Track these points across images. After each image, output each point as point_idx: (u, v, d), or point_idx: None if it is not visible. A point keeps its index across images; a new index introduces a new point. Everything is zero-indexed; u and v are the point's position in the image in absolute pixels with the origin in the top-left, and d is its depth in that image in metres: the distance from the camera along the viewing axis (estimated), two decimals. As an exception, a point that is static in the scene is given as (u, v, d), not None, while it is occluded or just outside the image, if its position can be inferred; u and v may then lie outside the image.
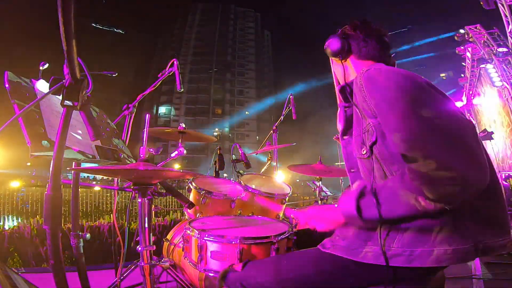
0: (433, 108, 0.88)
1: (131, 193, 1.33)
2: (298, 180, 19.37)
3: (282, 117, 3.26)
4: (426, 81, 0.97)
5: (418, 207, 0.85)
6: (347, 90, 1.12)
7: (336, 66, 1.28)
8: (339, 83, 1.26)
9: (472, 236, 0.88)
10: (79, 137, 1.48)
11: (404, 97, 0.90)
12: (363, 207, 0.92)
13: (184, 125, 2.33)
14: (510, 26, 10.81)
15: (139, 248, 1.28)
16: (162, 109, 52.48)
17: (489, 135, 9.84)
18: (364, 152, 1.02)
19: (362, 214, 0.92)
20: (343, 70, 1.23)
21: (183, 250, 1.55)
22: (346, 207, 0.97)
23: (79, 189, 1.64)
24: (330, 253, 0.99)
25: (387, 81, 0.95)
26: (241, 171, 2.50)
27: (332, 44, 1.20)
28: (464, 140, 0.84)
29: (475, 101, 16.54)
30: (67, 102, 0.90)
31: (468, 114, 18.36)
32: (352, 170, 1.20)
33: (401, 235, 0.91)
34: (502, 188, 0.97)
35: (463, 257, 0.87)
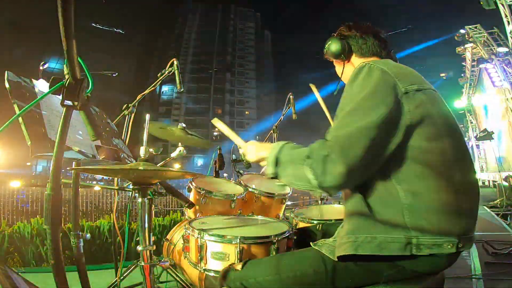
0: (370, 111, 0.89)
1: (131, 193, 1.33)
2: (298, 180, 19.31)
3: (282, 117, 3.26)
4: (407, 89, 0.94)
5: (306, 173, 0.89)
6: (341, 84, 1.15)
7: (339, 68, 1.28)
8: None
9: (409, 231, 0.91)
10: (79, 137, 1.48)
11: (363, 90, 0.93)
12: (278, 157, 0.98)
13: (184, 125, 2.33)
14: (510, 26, 10.81)
15: (139, 248, 1.28)
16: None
17: (489, 135, 9.85)
18: None
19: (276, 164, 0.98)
20: (349, 71, 1.22)
21: (183, 250, 1.55)
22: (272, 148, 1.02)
23: (79, 189, 1.64)
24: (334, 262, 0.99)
25: (367, 77, 0.96)
26: (241, 171, 2.50)
27: (332, 46, 1.20)
28: (358, 154, 0.86)
29: (475, 101, 16.54)
30: (67, 102, 0.90)
31: (469, 114, 18.37)
32: None
33: (348, 224, 0.96)
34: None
35: (398, 248, 0.89)
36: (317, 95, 1.87)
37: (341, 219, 1.11)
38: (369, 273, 0.95)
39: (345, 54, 1.20)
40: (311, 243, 1.06)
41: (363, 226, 0.92)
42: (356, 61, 1.21)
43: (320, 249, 1.02)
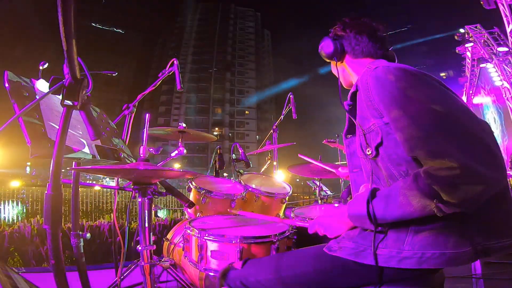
0: (448, 106, 0.85)
1: (131, 192, 1.33)
2: (298, 180, 19.39)
3: (282, 117, 3.26)
4: (437, 80, 0.96)
5: (435, 211, 0.81)
6: (353, 90, 1.11)
7: (333, 68, 1.27)
8: (345, 84, 1.25)
9: (471, 238, 0.87)
10: (79, 137, 1.48)
11: (416, 97, 0.87)
12: (373, 210, 0.91)
13: (184, 125, 2.33)
14: (510, 26, 10.80)
15: (139, 248, 1.28)
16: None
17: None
18: (369, 152, 1.00)
19: (373, 218, 0.91)
20: (342, 72, 1.22)
21: (183, 250, 1.55)
22: (356, 210, 0.95)
23: (79, 189, 1.64)
24: (337, 256, 0.98)
25: (397, 80, 0.92)
26: (241, 171, 2.50)
27: (325, 47, 1.19)
28: (484, 140, 0.81)
29: (475, 100, 16.53)
30: (67, 102, 0.90)
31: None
32: (355, 170, 1.19)
33: (410, 238, 0.90)
34: (509, 187, 0.96)
35: (466, 259, 0.86)
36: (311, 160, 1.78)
37: None
38: (370, 273, 0.94)
39: (337, 56, 1.18)
40: (325, 249, 1.02)
41: (432, 242, 0.87)
42: (349, 62, 1.19)
43: (336, 253, 0.98)
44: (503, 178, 0.80)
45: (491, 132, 0.87)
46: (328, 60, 1.25)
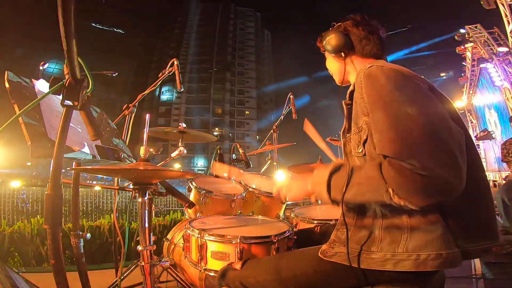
0: (427, 113, 0.86)
1: (131, 193, 1.33)
2: (298, 180, 19.32)
3: (282, 117, 3.26)
4: (428, 84, 0.96)
5: (385, 199, 0.83)
6: (351, 88, 1.09)
7: (333, 62, 1.24)
8: (340, 80, 1.24)
9: (456, 240, 0.89)
10: (79, 137, 1.48)
11: (398, 97, 0.88)
12: (332, 184, 0.92)
13: (184, 125, 2.33)
14: (510, 26, 10.80)
15: (140, 248, 1.28)
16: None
17: (489, 135, 9.85)
18: (360, 150, 1.00)
19: (331, 191, 0.92)
20: (344, 68, 1.18)
21: (183, 250, 1.55)
22: (319, 176, 0.95)
23: (79, 189, 1.64)
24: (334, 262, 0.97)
25: (386, 79, 0.93)
26: (241, 171, 2.49)
27: (334, 39, 1.14)
28: (450, 148, 0.82)
29: (475, 100, 16.53)
30: (67, 102, 0.90)
31: (469, 114, 18.37)
32: None
33: (405, 240, 0.90)
34: (489, 192, 0.97)
35: (459, 261, 0.88)
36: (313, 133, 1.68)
37: None
38: (370, 273, 0.94)
39: (345, 52, 1.16)
40: (319, 254, 1.01)
41: (430, 243, 0.88)
42: (355, 60, 1.17)
43: (332, 259, 0.98)
44: (458, 184, 0.80)
45: (460, 141, 0.87)
46: (330, 52, 1.20)
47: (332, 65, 1.25)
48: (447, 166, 0.79)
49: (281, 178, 1.12)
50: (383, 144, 0.85)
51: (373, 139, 0.91)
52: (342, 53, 1.16)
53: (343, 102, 1.12)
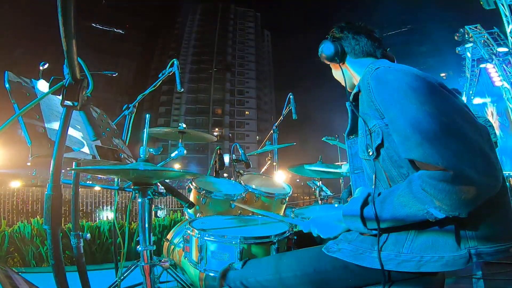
0: (447, 111, 0.85)
1: (131, 193, 1.33)
2: (298, 180, 19.40)
3: (282, 117, 3.26)
4: (438, 82, 0.95)
5: (427, 217, 0.82)
6: (355, 90, 1.10)
7: (335, 71, 1.28)
8: (348, 86, 1.25)
9: (467, 241, 0.87)
10: (79, 137, 1.48)
11: (415, 99, 0.87)
12: (366, 216, 0.91)
13: (184, 125, 2.33)
14: (510, 26, 10.81)
15: (139, 248, 1.28)
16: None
17: (489, 135, 9.83)
18: (371, 153, 1.00)
19: (367, 223, 0.91)
20: (342, 73, 1.22)
21: (183, 250, 1.55)
22: (351, 211, 0.96)
23: (79, 189, 1.64)
24: (336, 257, 0.98)
25: (397, 81, 0.92)
26: (241, 171, 2.49)
27: (325, 49, 1.20)
28: (480, 146, 0.81)
29: (475, 100, 16.53)
30: (67, 102, 0.90)
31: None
32: (356, 172, 1.19)
33: (410, 241, 0.90)
34: (506, 192, 0.96)
35: (462, 263, 0.86)
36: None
37: None
38: (370, 273, 0.94)
39: (339, 57, 1.19)
40: (323, 249, 1.03)
41: (435, 244, 0.88)
42: (351, 62, 1.20)
43: (335, 254, 0.99)
44: (496, 184, 0.80)
45: (488, 136, 0.87)
46: (328, 62, 1.25)
47: (335, 73, 1.29)
48: (480, 167, 0.78)
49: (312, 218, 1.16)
50: (409, 148, 0.84)
51: (395, 143, 0.91)
52: (336, 59, 1.20)
53: (348, 104, 1.13)
